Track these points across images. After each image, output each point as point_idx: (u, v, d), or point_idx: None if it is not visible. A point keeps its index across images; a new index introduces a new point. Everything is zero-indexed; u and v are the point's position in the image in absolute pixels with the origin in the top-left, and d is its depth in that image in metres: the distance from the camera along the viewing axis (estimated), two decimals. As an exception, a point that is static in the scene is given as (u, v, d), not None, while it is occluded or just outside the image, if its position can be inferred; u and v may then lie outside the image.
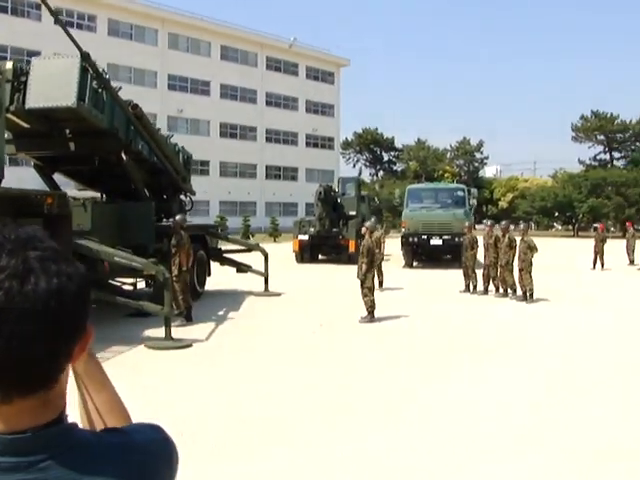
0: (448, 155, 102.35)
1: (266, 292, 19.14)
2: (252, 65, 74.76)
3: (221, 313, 15.95)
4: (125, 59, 61.75)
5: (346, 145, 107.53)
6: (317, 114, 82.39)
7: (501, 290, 18.81)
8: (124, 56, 61.38)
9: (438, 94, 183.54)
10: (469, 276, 19.70)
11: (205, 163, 69.70)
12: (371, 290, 14.47)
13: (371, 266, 14.50)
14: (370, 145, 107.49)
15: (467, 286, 19.74)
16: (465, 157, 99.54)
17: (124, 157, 15.26)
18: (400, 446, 6.72)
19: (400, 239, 29.00)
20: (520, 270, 17.96)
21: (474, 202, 29.92)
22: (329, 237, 30.28)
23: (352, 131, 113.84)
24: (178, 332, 12.87)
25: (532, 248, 17.76)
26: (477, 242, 19.78)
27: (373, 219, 21.31)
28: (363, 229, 15.19)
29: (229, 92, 72.22)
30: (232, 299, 18.13)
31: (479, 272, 19.55)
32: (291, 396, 8.65)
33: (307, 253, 30.98)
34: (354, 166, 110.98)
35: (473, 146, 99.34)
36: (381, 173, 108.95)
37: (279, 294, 19.09)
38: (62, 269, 1.20)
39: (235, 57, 73.02)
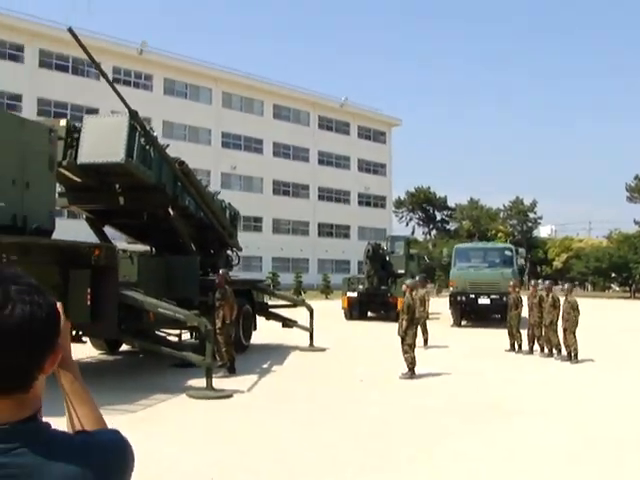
0: (501, 215, 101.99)
1: (311, 347, 19.25)
2: (304, 124, 76.04)
3: (265, 366, 16.11)
4: (180, 117, 63.43)
5: (399, 204, 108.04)
6: (369, 173, 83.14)
7: (546, 350, 18.62)
8: (179, 114, 63.09)
9: (491, 153, 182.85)
10: (514, 335, 19.55)
11: (258, 219, 70.69)
12: (411, 347, 14.49)
13: (411, 323, 14.55)
14: (423, 204, 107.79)
15: (512, 345, 19.58)
16: (518, 217, 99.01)
17: (171, 212, 15.70)
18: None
19: (448, 298, 29.00)
20: (564, 330, 17.74)
21: (522, 262, 29.85)
22: (377, 295, 30.36)
23: (404, 189, 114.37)
24: (221, 383, 13.14)
25: (575, 309, 17.59)
26: (521, 301, 19.67)
27: (417, 277, 21.43)
28: (404, 287, 15.28)
29: (282, 150, 73.43)
30: (277, 353, 18.28)
31: (525, 332, 19.41)
32: (324, 446, 8.72)
33: (356, 310, 31.04)
34: (407, 225, 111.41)
35: (526, 206, 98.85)
36: (434, 232, 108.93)
37: (324, 349, 19.17)
38: (34, 299, 1.51)
39: (287, 116, 74.41)
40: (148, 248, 18.72)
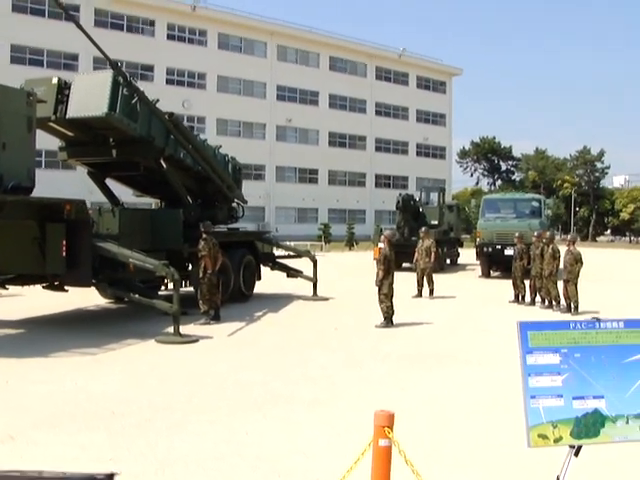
0: (568, 165, 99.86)
1: (314, 297, 19.69)
2: (361, 75, 75.50)
3: (258, 314, 16.58)
4: (235, 71, 63.87)
5: (463, 154, 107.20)
6: (428, 123, 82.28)
7: (547, 302, 18.62)
8: (234, 68, 63.54)
9: (560, 100, 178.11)
10: (517, 286, 19.59)
11: (314, 172, 71.16)
12: (387, 296, 14.70)
13: (387, 273, 14.75)
14: (487, 154, 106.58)
15: (516, 296, 19.63)
16: (585, 167, 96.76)
17: (164, 164, 16.23)
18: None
19: (475, 249, 29.04)
20: (565, 282, 17.68)
21: (549, 212, 29.59)
22: (408, 246, 30.45)
23: (469, 139, 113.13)
24: (201, 329, 13.89)
25: (578, 260, 17.50)
26: (527, 252, 19.64)
27: (423, 229, 21.74)
28: (382, 237, 15.52)
29: (338, 102, 73.15)
30: (278, 302, 18.68)
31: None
32: (259, 384, 9.20)
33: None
34: (472, 175, 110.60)
35: (594, 155, 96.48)
36: (499, 182, 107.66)
37: (327, 299, 19.56)
38: None
39: (344, 68, 73.97)
40: (157, 201, 19.43)
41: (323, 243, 52.96)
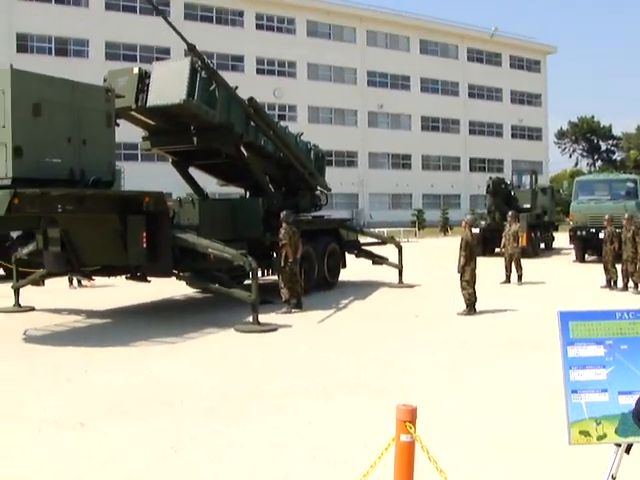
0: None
1: (400, 284, 19.47)
2: (453, 57, 74.39)
3: (341, 302, 16.52)
4: (325, 58, 63.88)
5: (561, 135, 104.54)
6: (523, 104, 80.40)
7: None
8: (324, 55, 63.58)
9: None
10: (609, 271, 18.87)
11: (407, 157, 70.65)
12: (470, 283, 14.43)
13: (469, 259, 14.50)
14: (586, 134, 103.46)
15: (608, 281, 18.94)
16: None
17: (244, 151, 16.35)
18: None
19: (568, 233, 28.18)
20: (659, 265, 17.05)
21: (646, 193, 28.30)
22: (500, 230, 29.85)
23: (567, 120, 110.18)
24: (283, 318, 13.97)
25: (666, 242, 16.80)
26: (617, 236, 18.91)
27: (510, 212, 21.29)
28: (463, 223, 15.21)
29: (430, 85, 72.25)
30: (363, 290, 18.54)
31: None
32: (328, 372, 9.17)
33: (479, 246, 30.61)
34: (570, 156, 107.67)
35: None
36: (599, 163, 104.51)
37: (412, 286, 19.34)
38: None
39: (435, 50, 73.04)
40: (241, 191, 19.61)
41: (417, 229, 52.57)
